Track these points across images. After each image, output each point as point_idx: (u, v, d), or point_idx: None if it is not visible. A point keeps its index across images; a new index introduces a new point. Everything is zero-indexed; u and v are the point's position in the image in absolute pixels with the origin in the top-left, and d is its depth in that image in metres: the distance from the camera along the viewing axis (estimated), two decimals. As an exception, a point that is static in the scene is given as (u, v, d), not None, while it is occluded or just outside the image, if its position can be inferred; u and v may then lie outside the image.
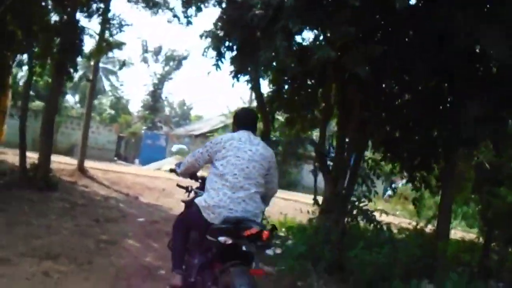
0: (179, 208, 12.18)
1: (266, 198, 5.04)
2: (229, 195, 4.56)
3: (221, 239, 4.27)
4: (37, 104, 36.90)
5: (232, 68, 8.92)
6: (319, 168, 10.85)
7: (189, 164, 5.20)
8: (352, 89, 9.63)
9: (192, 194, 5.50)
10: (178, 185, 5.89)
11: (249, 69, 8.66)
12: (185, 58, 53.61)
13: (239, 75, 9.00)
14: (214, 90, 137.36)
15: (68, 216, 9.98)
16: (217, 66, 8.73)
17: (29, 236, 7.69)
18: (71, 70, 13.25)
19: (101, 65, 59.43)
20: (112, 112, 49.42)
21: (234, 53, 8.92)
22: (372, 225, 9.66)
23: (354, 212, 9.65)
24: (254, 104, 35.48)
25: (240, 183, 4.61)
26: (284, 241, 10.13)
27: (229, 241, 4.26)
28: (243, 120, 5.16)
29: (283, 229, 12.18)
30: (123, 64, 17.64)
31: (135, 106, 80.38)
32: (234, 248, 4.29)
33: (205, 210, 4.60)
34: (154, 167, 31.26)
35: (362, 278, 7.73)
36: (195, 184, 5.61)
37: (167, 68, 52.70)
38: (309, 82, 11.52)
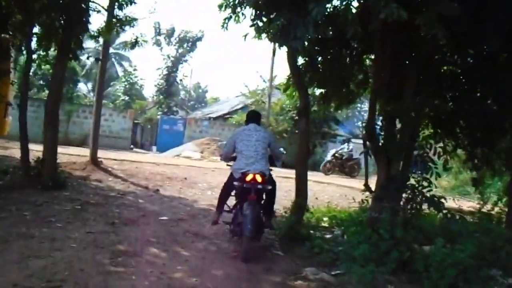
0: (205, 200, 12.72)
1: (277, 159, 8.69)
2: (245, 161, 7.82)
3: (235, 183, 7.70)
4: (47, 93, 35.74)
5: (272, 30, 7.57)
6: (370, 149, 9.31)
7: (226, 153, 8.52)
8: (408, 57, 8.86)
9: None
10: (228, 165, 8.65)
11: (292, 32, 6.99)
12: (199, 39, 51.95)
13: (280, 37, 7.40)
14: (230, 71, 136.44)
15: (78, 221, 8.44)
16: (256, 26, 8.14)
17: (27, 255, 6.14)
18: (76, 51, 11.67)
19: (112, 50, 59.48)
20: (126, 98, 48.41)
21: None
22: (440, 213, 8.11)
23: (418, 199, 8.12)
24: (275, 82, 34.58)
25: (251, 154, 7.84)
26: (334, 236, 9.06)
27: (239, 184, 7.60)
28: (251, 117, 8.51)
29: (324, 219, 10.90)
30: (135, 42, 15.75)
31: (150, 91, 79.40)
32: (246, 188, 7.50)
33: (234, 172, 7.96)
34: (172, 153, 29.83)
35: (440, 281, 6.38)
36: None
37: (181, 51, 51.01)
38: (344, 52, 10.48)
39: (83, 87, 50.65)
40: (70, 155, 18.74)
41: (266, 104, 35.43)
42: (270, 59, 38.99)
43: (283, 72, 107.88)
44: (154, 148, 36.40)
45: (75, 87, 41.74)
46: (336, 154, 29.31)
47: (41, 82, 34.84)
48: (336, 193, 17.66)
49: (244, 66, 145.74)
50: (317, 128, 35.94)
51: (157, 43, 51.56)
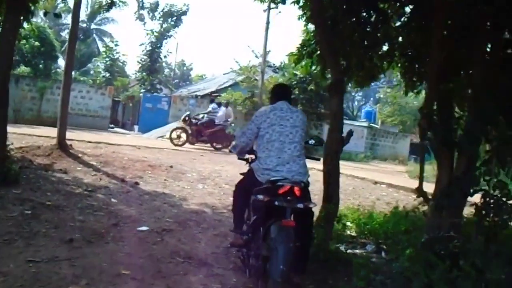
0: (196, 197, 10.47)
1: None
2: (276, 158, 5.37)
3: (259, 197, 5.02)
4: (23, 69, 33.49)
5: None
6: (430, 142, 6.96)
7: (243, 144, 5.89)
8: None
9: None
10: (239, 158, 6.24)
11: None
12: (184, 13, 49.03)
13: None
14: (217, 48, 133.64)
15: (21, 237, 5.95)
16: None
17: None
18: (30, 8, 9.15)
19: (94, 26, 57.35)
20: (107, 75, 46.16)
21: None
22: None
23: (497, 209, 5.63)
24: (269, 58, 32.75)
25: (286, 148, 5.43)
26: (379, 259, 6.99)
27: (266, 198, 4.94)
28: (280, 93, 6.03)
29: (348, 223, 8.65)
30: (111, 2, 13.20)
31: (133, 69, 76.97)
32: (278, 206, 4.87)
33: (257, 172, 5.44)
34: (156, 135, 27.40)
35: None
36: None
37: (165, 26, 48.30)
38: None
39: (63, 63, 48.26)
40: (38, 137, 16.31)
41: (258, 81, 32.91)
42: (261, 34, 36.75)
43: (277, 47, 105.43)
44: (136, 128, 33.77)
45: (54, 63, 40.03)
46: (188, 118, 23.79)
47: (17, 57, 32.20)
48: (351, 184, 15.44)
49: (233, 42, 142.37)
50: (313, 108, 33.89)
51: (140, 18, 48.76)
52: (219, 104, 25.14)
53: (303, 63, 10.22)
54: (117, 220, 7.40)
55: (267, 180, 5.15)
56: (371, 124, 43.82)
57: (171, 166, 13.81)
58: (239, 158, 6.25)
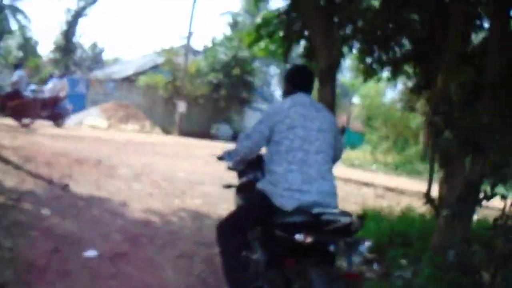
0: (136, 200, 8.96)
1: (337, 158, 4.50)
2: (300, 174, 3.88)
3: (299, 237, 3.48)
4: None
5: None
6: (446, 142, 6.08)
7: (247, 151, 4.27)
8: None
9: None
10: (230, 168, 4.83)
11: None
12: (99, -9, 47.02)
13: None
14: (135, 29, 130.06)
15: None
16: None
17: None
18: None
19: (7, 2, 54.34)
20: (20, 54, 44.00)
21: None
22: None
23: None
24: (192, 41, 31.70)
25: (311, 159, 3.95)
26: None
27: (310, 239, 3.46)
28: (301, 79, 4.42)
29: None
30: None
31: (46, 49, 73.91)
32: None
33: (273, 195, 3.88)
34: (73, 121, 25.37)
35: None
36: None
37: (81, 4, 46.04)
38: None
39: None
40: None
41: (181, 65, 31.44)
42: (186, 15, 35.68)
43: (200, 30, 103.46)
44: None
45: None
46: None
47: None
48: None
49: (153, 24, 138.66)
50: (236, 94, 32.91)
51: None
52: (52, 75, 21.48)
53: (262, 44, 9.46)
54: (56, 242, 5.82)
55: (295, 205, 3.76)
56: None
57: (100, 161, 12.24)
58: (230, 168, 4.86)
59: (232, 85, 32.76)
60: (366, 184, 15.87)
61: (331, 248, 3.55)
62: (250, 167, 4.76)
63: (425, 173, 22.74)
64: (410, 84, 24.08)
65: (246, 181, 4.75)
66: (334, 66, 6.90)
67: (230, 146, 4.84)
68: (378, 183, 16.19)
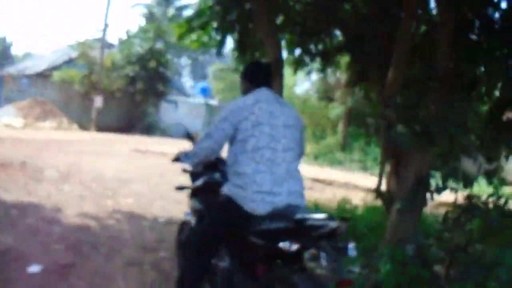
0: (68, 203, 8.59)
1: (301, 155, 4.18)
2: (269, 174, 3.62)
3: (284, 245, 3.31)
4: None
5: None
6: (399, 136, 5.97)
7: (208, 151, 3.84)
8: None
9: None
10: (185, 170, 4.71)
11: None
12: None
13: None
14: (42, 23, 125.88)
15: None
16: None
17: None
18: None
19: None
20: None
21: None
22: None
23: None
24: (110, 33, 30.84)
25: (279, 158, 3.71)
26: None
27: (295, 247, 3.27)
28: (261, 75, 4.14)
29: None
30: None
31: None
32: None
33: (242, 200, 3.59)
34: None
35: None
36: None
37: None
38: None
39: None
40: None
41: (97, 58, 30.62)
42: (102, 7, 34.64)
43: (115, 23, 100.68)
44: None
45: None
46: None
47: None
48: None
49: (64, 16, 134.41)
50: (152, 87, 32.42)
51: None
52: None
53: (194, 36, 9.18)
54: (-5, 257, 5.52)
55: (268, 209, 3.53)
56: (208, 101, 43.08)
57: (24, 162, 11.74)
58: (185, 171, 4.63)
59: (148, 78, 32.18)
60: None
61: (326, 259, 3.25)
62: (206, 169, 4.57)
63: (346, 163, 23.12)
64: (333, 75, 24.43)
65: (203, 183, 4.51)
66: (281, 59, 6.77)
67: (187, 148, 4.48)
68: (304, 174, 16.11)
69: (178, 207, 9.26)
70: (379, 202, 7.49)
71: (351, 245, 3.26)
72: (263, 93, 3.92)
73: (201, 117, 38.32)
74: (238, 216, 3.63)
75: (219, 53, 9.25)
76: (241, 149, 3.73)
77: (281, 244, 3.33)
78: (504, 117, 6.63)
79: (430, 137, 5.61)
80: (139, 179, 12.26)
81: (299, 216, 3.46)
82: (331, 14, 8.00)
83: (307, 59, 9.19)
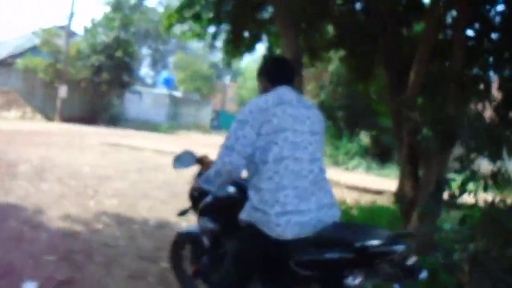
0: (49, 202, 8.08)
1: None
2: (293, 190, 3.05)
3: (352, 282, 2.77)
4: None
5: None
6: (424, 139, 5.94)
7: (232, 167, 3.13)
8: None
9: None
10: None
11: None
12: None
13: None
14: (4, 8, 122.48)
15: None
16: None
17: None
18: None
19: None
20: None
21: None
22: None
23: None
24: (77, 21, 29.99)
25: (305, 170, 3.14)
26: None
27: (358, 280, 2.77)
28: (284, 72, 3.56)
29: None
30: None
31: None
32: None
33: (266, 224, 3.03)
34: None
35: None
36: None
37: None
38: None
39: None
40: None
41: (62, 47, 29.69)
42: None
43: (85, 10, 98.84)
44: None
45: None
46: None
47: None
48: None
49: (28, 1, 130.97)
50: (117, 77, 31.68)
51: None
52: None
53: (185, 27, 8.96)
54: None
55: (298, 232, 3.02)
56: (172, 92, 42.58)
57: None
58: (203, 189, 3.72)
59: (114, 68, 31.36)
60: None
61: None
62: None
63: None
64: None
65: (213, 199, 3.89)
66: (300, 57, 6.29)
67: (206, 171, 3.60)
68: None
69: (165, 207, 8.92)
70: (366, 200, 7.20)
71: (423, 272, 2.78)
72: (286, 94, 3.36)
73: (165, 107, 37.88)
74: (265, 244, 3.11)
75: (212, 45, 8.78)
76: (262, 159, 3.17)
77: (350, 280, 2.83)
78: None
79: (453, 139, 5.45)
80: (118, 175, 11.78)
81: (357, 244, 2.81)
82: (324, 9, 7.66)
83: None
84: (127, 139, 21.00)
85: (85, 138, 20.03)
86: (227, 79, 62.65)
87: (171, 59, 58.62)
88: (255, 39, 9.15)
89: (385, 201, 11.88)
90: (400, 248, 2.72)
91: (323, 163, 3.35)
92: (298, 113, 3.27)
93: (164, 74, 50.83)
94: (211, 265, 3.89)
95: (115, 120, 32.28)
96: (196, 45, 62.93)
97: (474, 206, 5.59)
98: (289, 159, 3.12)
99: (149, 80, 58.11)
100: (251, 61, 46.32)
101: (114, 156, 15.65)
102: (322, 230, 3.07)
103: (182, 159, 3.81)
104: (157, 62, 66.73)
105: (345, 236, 2.98)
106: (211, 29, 8.83)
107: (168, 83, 45.78)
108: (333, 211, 3.23)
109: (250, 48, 9.30)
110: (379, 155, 21.83)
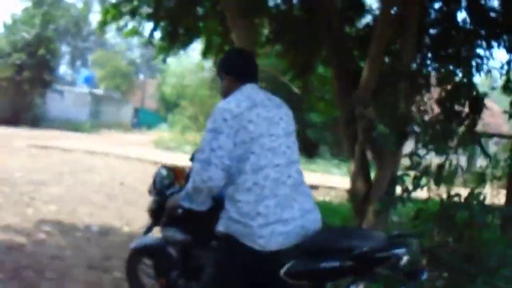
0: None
1: None
2: (274, 199, 2.84)
3: None
4: None
5: None
6: (381, 136, 5.78)
7: (213, 183, 2.82)
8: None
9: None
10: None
11: None
12: None
13: None
14: None
15: None
16: None
17: None
18: None
19: None
20: None
21: None
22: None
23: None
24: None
25: (284, 175, 2.93)
26: None
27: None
28: (246, 69, 3.23)
29: None
30: None
31: None
32: None
33: (247, 237, 2.77)
34: None
35: None
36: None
37: None
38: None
39: None
40: None
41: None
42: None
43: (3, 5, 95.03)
44: None
45: None
46: None
47: None
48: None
49: None
50: (39, 76, 30.78)
51: None
52: None
53: (122, 22, 8.61)
54: None
55: (282, 242, 2.82)
56: (93, 90, 41.95)
57: None
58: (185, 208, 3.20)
59: (36, 66, 30.42)
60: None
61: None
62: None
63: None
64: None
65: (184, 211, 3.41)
66: (255, 49, 6.27)
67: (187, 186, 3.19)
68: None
69: (105, 212, 8.86)
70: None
71: (425, 273, 2.72)
72: (256, 93, 3.09)
73: (87, 106, 37.30)
74: (245, 256, 2.85)
75: (150, 42, 8.57)
76: (238, 168, 2.90)
77: None
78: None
79: (405, 134, 5.64)
80: (52, 180, 11.45)
81: (356, 251, 2.66)
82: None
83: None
84: (56, 141, 20.53)
85: (11, 140, 19.37)
86: (141, 76, 62.24)
87: (90, 57, 57.59)
88: (192, 35, 9.01)
89: (320, 196, 12.02)
90: (401, 251, 2.63)
91: (299, 165, 3.16)
92: (271, 114, 3.03)
93: (85, 72, 49.95)
94: (183, 279, 3.70)
95: (38, 120, 31.36)
96: (115, 41, 62.04)
97: (427, 200, 5.72)
98: (268, 168, 2.91)
99: (68, 78, 57.00)
100: (172, 57, 46.03)
101: (45, 159, 15.21)
102: (313, 237, 2.90)
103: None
104: (76, 60, 65.34)
105: (341, 243, 2.83)
106: (148, 25, 8.64)
107: (88, 81, 45.04)
108: (315, 216, 3.03)
109: (185, 44, 9.19)
110: (305, 150, 21.97)
